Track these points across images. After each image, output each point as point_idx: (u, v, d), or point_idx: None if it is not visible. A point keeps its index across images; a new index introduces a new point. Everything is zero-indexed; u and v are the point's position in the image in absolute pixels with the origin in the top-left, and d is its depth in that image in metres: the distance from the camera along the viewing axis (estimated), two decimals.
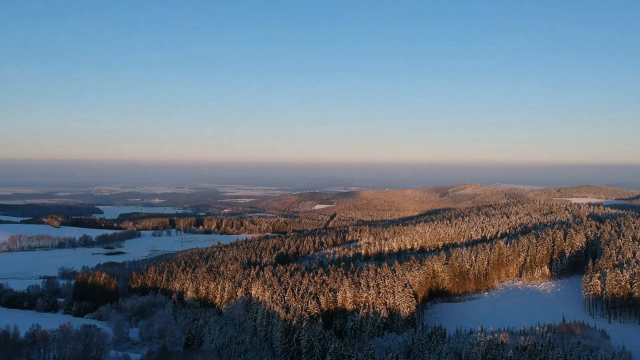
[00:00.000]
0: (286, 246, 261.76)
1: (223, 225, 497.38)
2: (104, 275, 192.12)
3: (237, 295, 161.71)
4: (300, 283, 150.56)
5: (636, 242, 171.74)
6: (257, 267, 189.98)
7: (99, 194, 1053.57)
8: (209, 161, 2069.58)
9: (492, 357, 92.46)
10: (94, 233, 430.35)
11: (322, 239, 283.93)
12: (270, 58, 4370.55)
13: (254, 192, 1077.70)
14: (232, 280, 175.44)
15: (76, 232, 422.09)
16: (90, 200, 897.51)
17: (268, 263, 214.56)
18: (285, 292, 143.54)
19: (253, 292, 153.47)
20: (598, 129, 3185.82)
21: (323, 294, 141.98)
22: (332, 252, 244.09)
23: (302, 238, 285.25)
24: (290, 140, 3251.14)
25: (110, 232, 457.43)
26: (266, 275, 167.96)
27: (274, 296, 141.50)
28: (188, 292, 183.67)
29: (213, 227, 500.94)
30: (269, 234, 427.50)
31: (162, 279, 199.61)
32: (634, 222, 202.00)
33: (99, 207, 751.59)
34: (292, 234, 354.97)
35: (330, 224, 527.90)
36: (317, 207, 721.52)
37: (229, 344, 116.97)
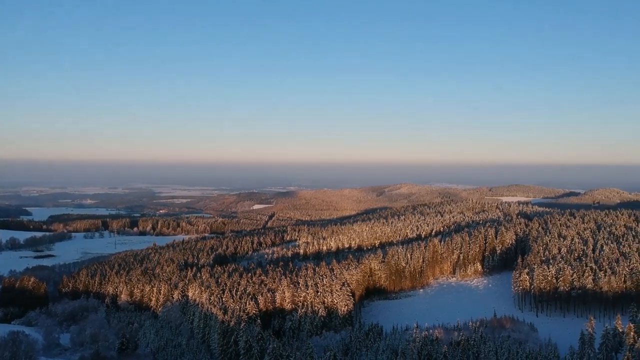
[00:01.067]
0: (224, 247, 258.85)
1: (159, 227, 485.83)
2: (32, 279, 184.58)
3: (173, 298, 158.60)
4: (239, 284, 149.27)
5: (561, 239, 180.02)
6: (194, 269, 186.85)
7: (27, 194, 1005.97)
8: (144, 161, 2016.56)
9: (428, 353, 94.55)
10: (22, 235, 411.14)
11: (261, 239, 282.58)
12: (197, 57, 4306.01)
13: (191, 193, 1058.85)
14: (168, 282, 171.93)
15: (2, 235, 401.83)
16: (17, 201, 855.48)
17: (205, 264, 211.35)
18: (223, 293, 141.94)
19: (190, 294, 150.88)
20: (526, 131, 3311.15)
21: (261, 294, 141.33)
22: (270, 252, 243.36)
23: (241, 238, 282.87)
24: (228, 140, 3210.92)
25: (39, 234, 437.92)
26: (203, 277, 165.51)
27: (212, 297, 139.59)
28: (122, 296, 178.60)
29: (148, 228, 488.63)
30: (206, 234, 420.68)
31: (95, 283, 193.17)
32: (559, 220, 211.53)
33: (27, 208, 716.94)
34: (230, 234, 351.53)
35: (269, 224, 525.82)
36: (256, 207, 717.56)
37: (165, 347, 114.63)
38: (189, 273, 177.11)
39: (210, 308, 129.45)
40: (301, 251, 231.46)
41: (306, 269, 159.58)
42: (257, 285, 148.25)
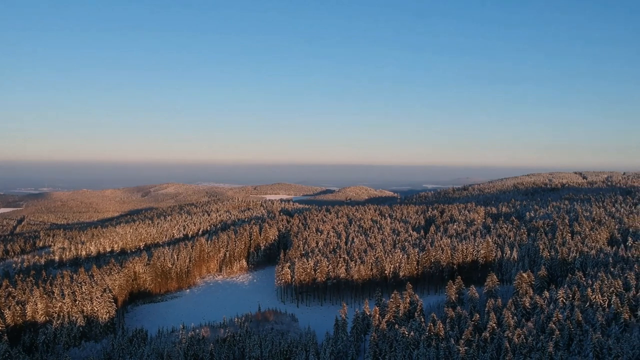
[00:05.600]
0: None
1: None
2: None
3: None
4: None
5: (319, 233, 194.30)
6: None
7: None
8: None
9: (194, 353, 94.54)
10: None
11: (8, 246, 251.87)
12: None
13: None
14: None
15: None
16: None
17: None
18: None
19: None
20: (282, 133, 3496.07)
21: (9, 307, 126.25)
22: (20, 260, 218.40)
23: None
24: None
25: None
26: None
27: None
28: None
29: None
30: None
31: None
32: (317, 215, 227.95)
33: None
34: None
35: (18, 230, 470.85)
36: (2, 210, 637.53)
37: None
38: None
39: None
40: (57, 258, 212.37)
41: (62, 277, 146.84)
42: (3, 298, 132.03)
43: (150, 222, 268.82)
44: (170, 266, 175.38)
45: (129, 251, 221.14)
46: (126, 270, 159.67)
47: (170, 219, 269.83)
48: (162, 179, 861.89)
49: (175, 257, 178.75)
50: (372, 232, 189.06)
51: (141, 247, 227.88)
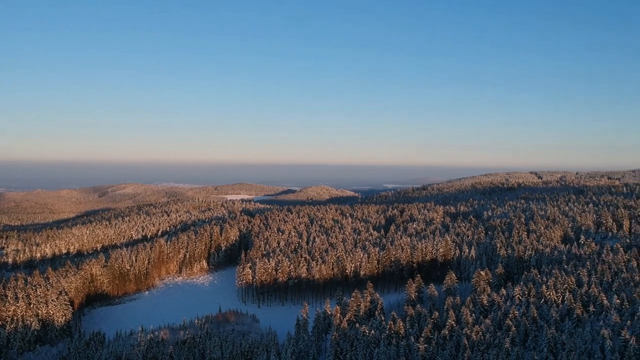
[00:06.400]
0: None
1: None
2: None
3: None
4: None
5: (280, 233, 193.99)
6: None
7: None
8: None
9: (153, 356, 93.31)
10: None
11: None
12: None
13: None
14: None
15: None
16: None
17: None
18: None
19: None
20: (251, 133, 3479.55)
21: None
22: None
23: None
24: None
25: None
26: None
27: None
28: None
29: None
30: None
31: None
32: (278, 215, 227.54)
33: None
34: None
35: None
36: None
37: None
38: None
39: None
40: (10, 260, 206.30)
41: (16, 280, 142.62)
42: None
43: (107, 223, 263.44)
44: (129, 268, 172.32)
45: (85, 253, 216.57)
46: (83, 273, 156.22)
47: (129, 220, 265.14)
48: (120, 179, 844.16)
49: (134, 258, 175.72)
50: (334, 232, 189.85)
51: (98, 248, 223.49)
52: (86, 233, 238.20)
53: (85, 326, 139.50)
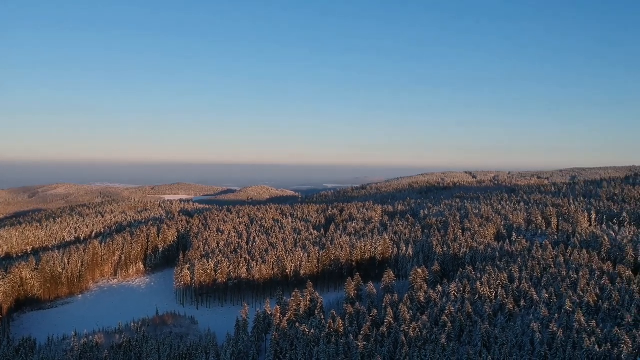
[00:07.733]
0: None
1: None
2: None
3: None
4: None
5: (220, 233, 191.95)
6: None
7: None
8: None
9: None
10: None
11: None
12: None
13: None
14: None
15: None
16: None
17: None
18: None
19: None
20: (191, 132, 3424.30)
21: None
22: None
23: None
24: None
25: None
26: None
27: None
28: None
29: None
30: None
31: None
32: (218, 215, 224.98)
33: None
34: None
35: None
36: None
37: None
38: None
39: None
40: None
41: None
42: None
43: (38, 224, 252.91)
44: (61, 271, 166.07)
45: (14, 256, 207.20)
46: (11, 276, 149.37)
47: (61, 221, 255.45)
48: (51, 179, 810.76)
49: (66, 261, 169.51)
50: (274, 232, 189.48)
51: (28, 251, 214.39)
52: (15, 235, 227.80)
53: (14, 332, 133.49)
